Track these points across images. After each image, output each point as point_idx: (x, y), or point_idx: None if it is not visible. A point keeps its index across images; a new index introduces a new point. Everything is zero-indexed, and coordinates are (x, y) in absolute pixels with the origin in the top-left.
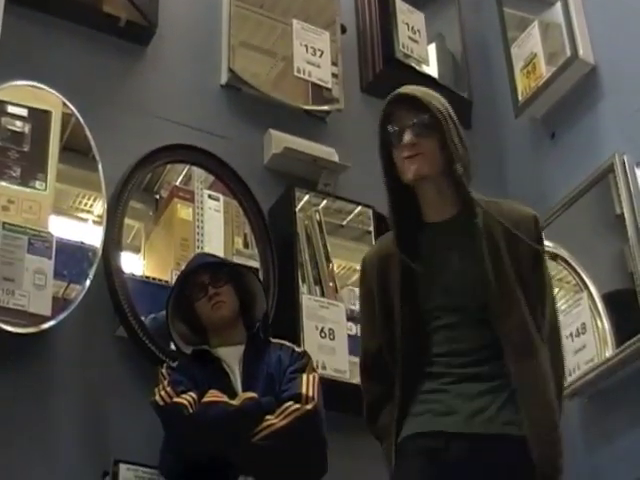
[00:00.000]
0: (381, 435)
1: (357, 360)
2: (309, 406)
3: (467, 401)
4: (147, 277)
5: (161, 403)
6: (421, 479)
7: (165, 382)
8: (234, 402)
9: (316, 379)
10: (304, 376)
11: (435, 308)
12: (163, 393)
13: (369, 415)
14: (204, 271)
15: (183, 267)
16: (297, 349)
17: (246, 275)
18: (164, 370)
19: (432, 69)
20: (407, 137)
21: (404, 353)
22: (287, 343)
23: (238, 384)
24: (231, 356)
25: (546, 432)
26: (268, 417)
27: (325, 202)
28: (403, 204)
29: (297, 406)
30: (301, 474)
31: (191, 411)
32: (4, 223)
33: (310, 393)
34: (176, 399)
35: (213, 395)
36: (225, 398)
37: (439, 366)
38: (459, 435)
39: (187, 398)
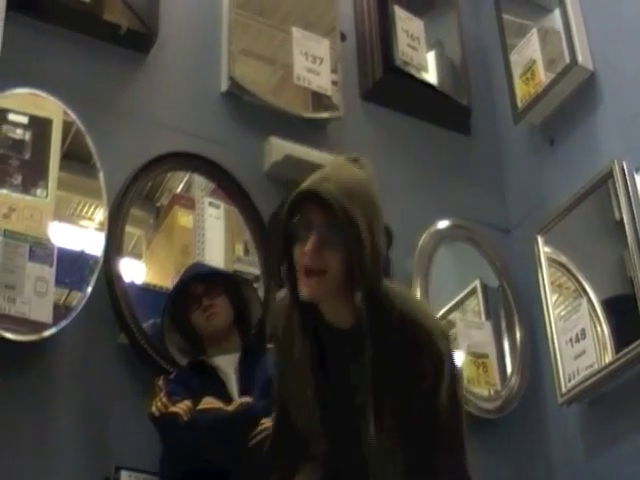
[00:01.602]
0: None
1: None
2: None
3: None
4: (148, 284)
5: (157, 414)
6: None
7: (161, 394)
8: (229, 408)
9: None
10: None
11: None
12: (159, 404)
13: None
14: (198, 282)
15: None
16: None
17: (241, 284)
18: (160, 382)
19: (431, 76)
20: (310, 245)
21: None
22: None
23: (235, 391)
24: (227, 364)
25: None
26: (263, 421)
27: None
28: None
29: None
30: None
31: (186, 419)
32: (5, 231)
33: None
34: (171, 408)
35: (207, 402)
36: (219, 404)
37: None
38: None
39: (182, 407)
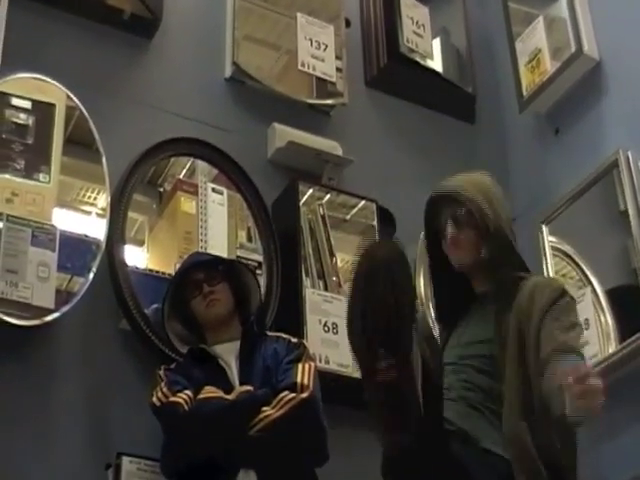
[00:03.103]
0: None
1: None
2: (304, 395)
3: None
4: (150, 270)
5: (158, 404)
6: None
7: (162, 383)
8: (229, 397)
9: (312, 368)
10: (299, 365)
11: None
12: (160, 394)
13: None
14: (199, 269)
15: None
16: (293, 340)
17: (241, 271)
18: (161, 372)
19: (436, 64)
20: (450, 230)
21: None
22: (283, 335)
23: (236, 379)
24: (227, 352)
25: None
26: (265, 409)
27: (329, 196)
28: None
29: (292, 395)
30: (301, 463)
31: (187, 409)
32: (8, 215)
33: (305, 382)
34: (172, 398)
35: (208, 391)
36: (220, 393)
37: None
38: None
39: (183, 397)
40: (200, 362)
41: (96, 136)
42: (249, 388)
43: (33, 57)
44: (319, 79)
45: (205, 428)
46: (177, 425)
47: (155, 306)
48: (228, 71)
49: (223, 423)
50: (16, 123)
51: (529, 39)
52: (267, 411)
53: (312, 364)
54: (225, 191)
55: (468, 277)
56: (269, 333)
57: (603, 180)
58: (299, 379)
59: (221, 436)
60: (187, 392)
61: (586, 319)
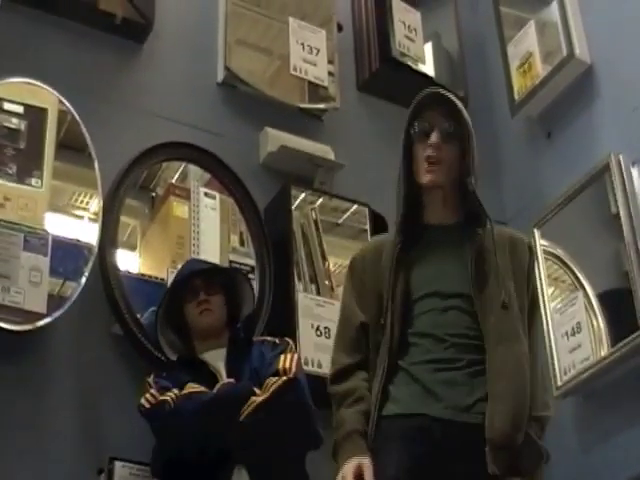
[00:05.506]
0: (343, 396)
1: None
2: (286, 377)
3: (448, 389)
4: (143, 275)
5: (147, 405)
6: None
7: (151, 389)
8: (212, 390)
9: (295, 356)
10: (282, 355)
11: (425, 295)
12: (148, 396)
13: (335, 377)
14: (198, 276)
15: (178, 266)
16: (277, 341)
17: (239, 282)
18: (151, 379)
19: (428, 68)
20: (434, 137)
21: (392, 327)
22: (268, 338)
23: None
24: (215, 358)
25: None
26: (253, 398)
27: (321, 200)
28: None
29: (276, 379)
30: (293, 446)
31: (172, 405)
32: (0, 220)
33: (287, 366)
34: (159, 398)
35: (190, 387)
36: (202, 388)
37: (422, 345)
38: (440, 420)
39: (169, 394)
40: (190, 369)
41: (88, 141)
42: (231, 380)
43: (25, 61)
44: (311, 83)
45: (191, 420)
46: (165, 422)
47: (152, 309)
48: (220, 76)
49: (209, 414)
50: (8, 128)
51: (521, 43)
52: (254, 398)
53: (295, 355)
54: (217, 195)
55: (424, 202)
56: (255, 338)
57: (595, 184)
58: (281, 365)
59: (207, 427)
60: (174, 391)
61: (578, 322)
